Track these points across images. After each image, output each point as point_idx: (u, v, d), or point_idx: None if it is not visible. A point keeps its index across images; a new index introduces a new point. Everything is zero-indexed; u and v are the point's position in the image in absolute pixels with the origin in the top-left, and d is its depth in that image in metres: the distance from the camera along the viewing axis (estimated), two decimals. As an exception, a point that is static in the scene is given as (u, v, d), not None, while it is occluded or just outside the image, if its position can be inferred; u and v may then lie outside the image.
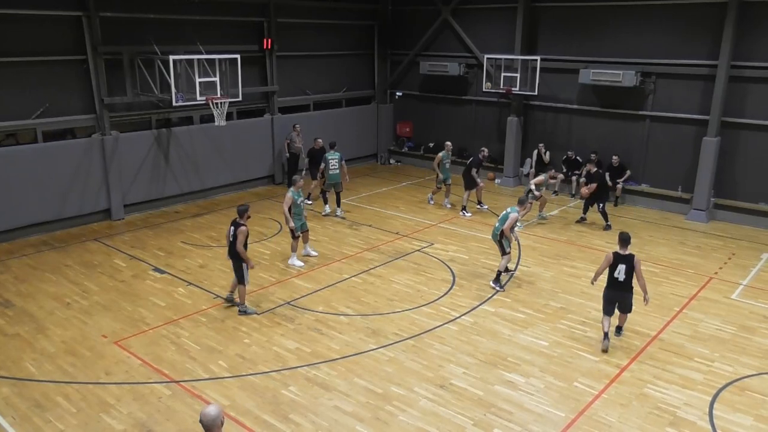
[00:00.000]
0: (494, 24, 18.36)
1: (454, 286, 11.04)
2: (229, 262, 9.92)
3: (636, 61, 15.72)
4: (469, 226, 14.48)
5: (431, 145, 20.55)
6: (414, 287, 10.98)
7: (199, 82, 13.66)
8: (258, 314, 9.90)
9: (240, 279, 9.71)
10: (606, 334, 8.81)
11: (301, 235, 11.91)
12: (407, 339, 9.14)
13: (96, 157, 14.22)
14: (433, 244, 13.18)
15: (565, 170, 17.22)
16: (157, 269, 11.74)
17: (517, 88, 17.19)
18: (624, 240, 8.76)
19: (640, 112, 16.12)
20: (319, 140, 16.28)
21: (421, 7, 19.82)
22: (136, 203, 15.16)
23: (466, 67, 19.06)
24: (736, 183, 14.98)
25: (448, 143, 16.07)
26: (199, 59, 13.71)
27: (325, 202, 15.19)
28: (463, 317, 9.86)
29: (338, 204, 15.15)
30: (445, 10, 19.13)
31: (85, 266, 11.83)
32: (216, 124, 14.70)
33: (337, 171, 14.69)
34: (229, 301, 10.20)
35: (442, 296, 10.66)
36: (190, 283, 11.10)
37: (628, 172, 16.22)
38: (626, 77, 15.35)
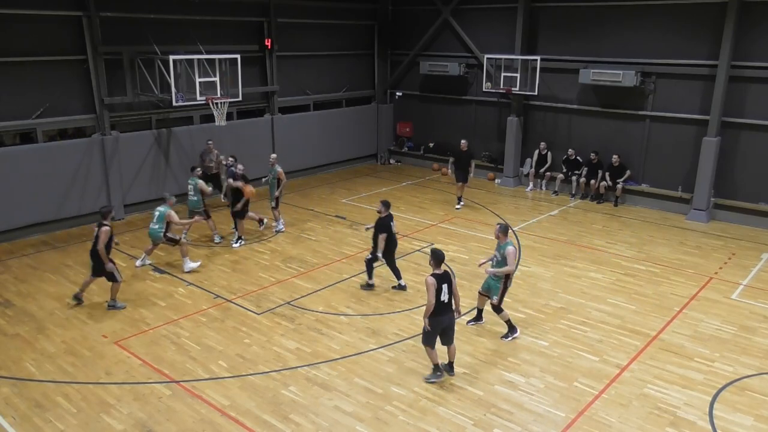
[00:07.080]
0: (494, 24, 18.36)
1: (454, 286, 11.03)
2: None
3: (636, 61, 15.71)
4: (469, 226, 14.48)
5: (431, 145, 20.56)
6: (414, 287, 10.97)
7: (199, 82, 13.66)
8: (124, 307, 9.99)
9: (111, 278, 9.93)
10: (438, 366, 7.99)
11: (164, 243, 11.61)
12: (407, 339, 9.14)
13: (96, 157, 14.21)
14: (433, 244, 13.17)
15: (565, 170, 17.23)
16: (157, 269, 11.75)
17: (517, 88, 17.19)
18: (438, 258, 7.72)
19: (640, 112, 16.12)
20: (464, 141, 15.86)
21: (421, 7, 19.82)
22: (136, 203, 15.16)
23: (466, 67, 19.05)
24: (736, 183, 14.98)
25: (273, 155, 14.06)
26: (199, 59, 13.71)
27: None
28: (463, 317, 9.84)
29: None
30: (445, 10, 19.12)
31: (85, 266, 11.76)
32: (216, 124, 14.70)
33: (195, 198, 12.73)
34: (77, 299, 10.14)
35: (442, 296, 10.64)
36: (190, 283, 11.11)
37: (628, 172, 16.23)
38: (626, 77, 15.35)
